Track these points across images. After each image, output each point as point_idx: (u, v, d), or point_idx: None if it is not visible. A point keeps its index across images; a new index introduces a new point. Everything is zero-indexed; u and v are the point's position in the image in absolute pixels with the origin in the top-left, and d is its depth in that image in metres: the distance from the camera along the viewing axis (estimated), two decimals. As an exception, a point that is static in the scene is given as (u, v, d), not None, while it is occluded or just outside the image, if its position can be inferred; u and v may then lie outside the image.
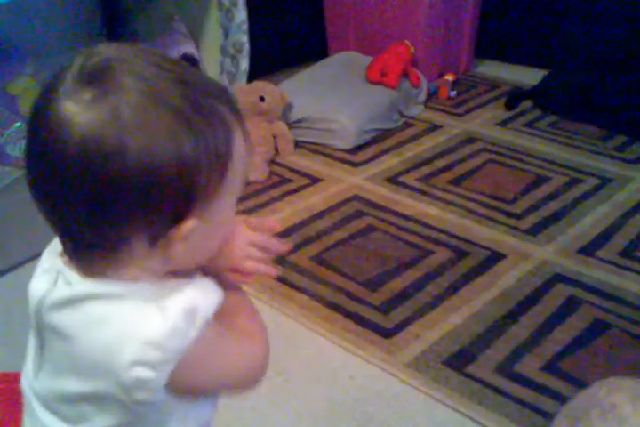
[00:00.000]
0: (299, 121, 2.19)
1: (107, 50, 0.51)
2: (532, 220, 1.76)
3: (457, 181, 1.95)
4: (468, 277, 1.54)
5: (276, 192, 1.92)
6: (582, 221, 1.75)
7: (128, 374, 0.51)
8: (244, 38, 2.19)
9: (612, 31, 2.44)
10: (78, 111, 0.48)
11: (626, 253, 1.62)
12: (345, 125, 2.14)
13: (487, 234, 1.70)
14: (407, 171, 2.01)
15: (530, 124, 2.29)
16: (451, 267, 1.58)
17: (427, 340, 1.36)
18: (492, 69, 2.77)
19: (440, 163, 2.06)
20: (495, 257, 1.61)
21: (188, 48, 2.25)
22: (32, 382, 0.61)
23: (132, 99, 0.49)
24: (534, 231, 1.70)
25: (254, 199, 1.88)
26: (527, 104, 2.43)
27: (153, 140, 0.49)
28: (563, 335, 1.36)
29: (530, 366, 1.29)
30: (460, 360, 1.31)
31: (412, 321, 1.42)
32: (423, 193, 1.89)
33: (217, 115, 0.52)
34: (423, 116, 2.39)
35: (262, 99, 2.09)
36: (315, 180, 1.98)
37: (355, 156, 2.12)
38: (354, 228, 1.74)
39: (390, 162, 2.08)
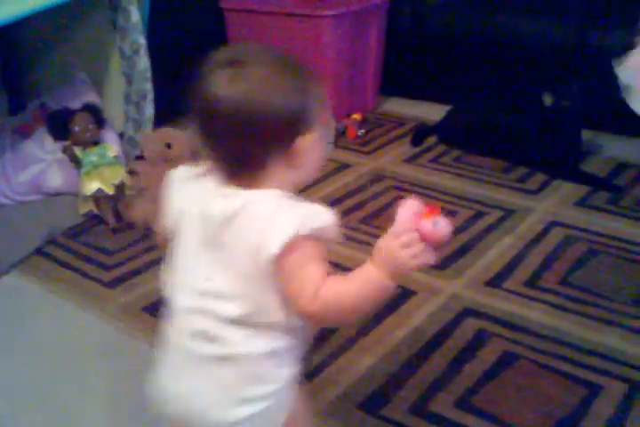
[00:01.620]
0: (208, 166, 2.18)
1: (234, 46, 0.83)
2: (440, 255, 1.78)
3: (368, 220, 1.98)
4: (380, 317, 1.54)
5: (186, 240, 1.89)
6: (488, 253, 1.80)
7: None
8: (148, 85, 2.18)
9: (506, 69, 2.56)
10: (223, 84, 0.76)
11: (530, 283, 1.67)
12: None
13: (398, 271, 1.72)
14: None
15: (435, 160, 2.35)
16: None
17: (341, 384, 1.36)
18: (398, 106, 2.84)
19: (351, 202, 2.09)
20: (406, 294, 1.62)
21: (91, 97, 2.22)
22: (199, 284, 0.81)
23: (256, 73, 0.76)
24: (443, 266, 1.74)
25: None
26: (433, 140, 2.50)
27: (275, 93, 0.76)
28: (473, 370, 1.38)
29: (443, 404, 1.30)
30: (374, 403, 1.31)
31: (326, 366, 1.41)
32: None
33: (312, 79, 0.81)
34: (332, 155, 2.42)
35: (169, 146, 2.07)
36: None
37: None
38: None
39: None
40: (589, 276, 1.69)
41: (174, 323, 0.85)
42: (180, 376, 0.84)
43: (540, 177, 2.21)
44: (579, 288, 1.64)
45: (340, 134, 2.55)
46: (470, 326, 1.52)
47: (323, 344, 1.47)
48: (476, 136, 2.37)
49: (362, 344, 1.47)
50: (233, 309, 0.79)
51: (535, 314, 1.55)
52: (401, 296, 1.61)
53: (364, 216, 2.00)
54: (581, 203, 2.05)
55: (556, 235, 1.87)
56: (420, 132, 2.51)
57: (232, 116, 0.75)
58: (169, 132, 2.12)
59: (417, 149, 2.44)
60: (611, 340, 1.46)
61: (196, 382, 0.82)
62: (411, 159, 2.37)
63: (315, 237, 0.75)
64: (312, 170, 0.84)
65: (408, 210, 0.74)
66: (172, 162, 2.06)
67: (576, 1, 2.50)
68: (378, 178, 2.24)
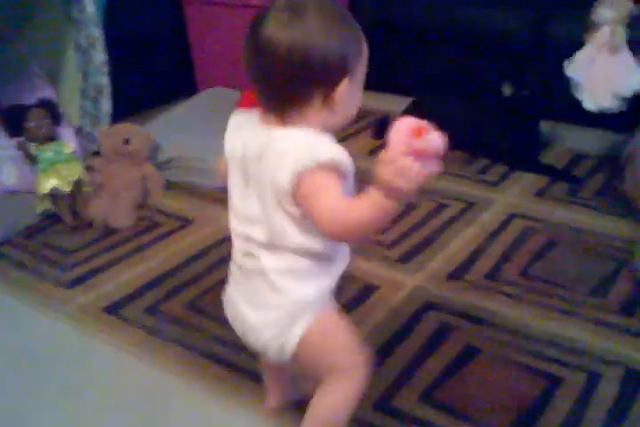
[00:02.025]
0: (168, 162, 2.15)
1: None
2: (402, 248, 1.79)
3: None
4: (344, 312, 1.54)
5: (145, 238, 1.87)
6: (450, 245, 1.81)
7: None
8: (105, 80, 2.14)
9: (466, 61, 2.56)
10: (280, 25, 0.83)
11: (491, 275, 1.68)
12: (215, 163, 2.11)
13: (359, 266, 1.72)
14: (281, 206, 2.01)
15: (398, 152, 2.35)
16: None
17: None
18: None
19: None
20: (369, 289, 1.62)
21: (46, 92, 2.17)
22: (240, 211, 0.95)
23: (311, 18, 0.83)
24: (405, 260, 1.74)
25: (122, 247, 1.82)
26: (394, 132, 2.50)
27: (327, 39, 0.83)
28: (436, 364, 1.39)
29: (407, 399, 1.30)
30: (338, 400, 1.30)
31: (289, 364, 1.40)
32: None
33: (358, 31, 0.88)
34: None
35: (127, 141, 2.03)
36: (187, 222, 1.95)
37: (227, 194, 2.09)
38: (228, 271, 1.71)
39: (264, 198, 2.07)
40: (550, 267, 1.71)
41: (234, 243, 1.00)
42: (235, 285, 1.03)
43: (500, 169, 2.22)
44: (539, 279, 1.66)
45: (302, 127, 2.54)
46: (432, 319, 1.52)
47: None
48: (437, 128, 2.36)
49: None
50: (258, 233, 0.93)
51: (497, 306, 1.56)
52: (363, 292, 1.62)
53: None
54: (541, 194, 2.07)
55: (517, 226, 1.89)
56: (381, 125, 2.50)
57: (285, 55, 0.83)
58: (127, 128, 2.09)
59: (379, 142, 2.44)
60: (571, 331, 1.48)
61: (241, 289, 1.01)
62: (372, 152, 2.37)
63: (325, 169, 0.84)
64: (345, 116, 0.91)
65: (399, 132, 0.75)
66: (130, 157, 2.03)
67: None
68: (340, 171, 2.23)
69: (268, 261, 0.94)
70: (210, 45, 2.69)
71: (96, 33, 2.10)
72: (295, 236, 0.91)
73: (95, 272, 1.73)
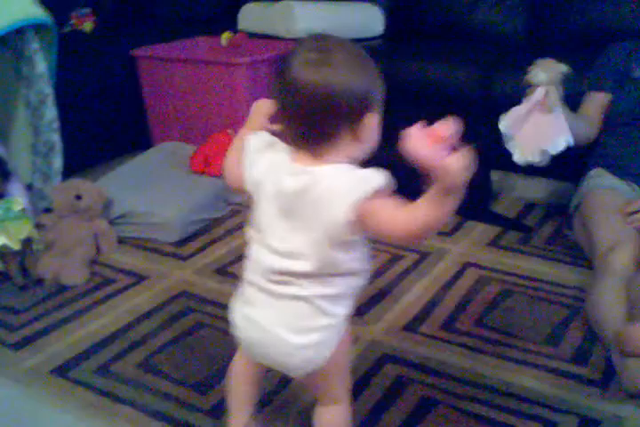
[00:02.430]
0: (121, 217, 2.13)
1: (316, 38, 0.94)
2: (358, 301, 1.71)
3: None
4: (298, 368, 1.52)
5: (97, 295, 1.83)
6: (405, 297, 1.81)
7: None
8: (55, 137, 2.14)
9: (417, 112, 2.62)
10: (311, 68, 0.90)
11: (446, 326, 1.68)
12: (169, 218, 2.10)
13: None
14: (236, 260, 2.00)
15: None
16: (282, 359, 1.56)
17: (260, 441, 1.32)
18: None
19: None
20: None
21: (-4, 148, 2.14)
22: (275, 244, 0.98)
23: (338, 60, 0.90)
24: (361, 312, 1.73)
25: (73, 305, 1.78)
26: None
27: (354, 78, 0.91)
28: (393, 419, 1.37)
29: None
30: (294, 460, 1.27)
31: None
32: (252, 282, 1.88)
33: (375, 66, 0.96)
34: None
35: (79, 197, 2.02)
36: (140, 278, 1.92)
37: (182, 249, 2.08)
38: (182, 327, 1.68)
39: (219, 252, 2.06)
40: (504, 316, 1.73)
41: (254, 268, 1.03)
42: (262, 309, 1.03)
43: (453, 219, 2.26)
44: (494, 329, 1.67)
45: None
46: (389, 372, 1.51)
47: (241, 400, 1.43)
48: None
49: (281, 399, 1.44)
50: (303, 265, 0.97)
51: (452, 357, 1.56)
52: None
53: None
54: (494, 243, 2.11)
55: (471, 276, 1.91)
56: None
57: (318, 95, 0.90)
58: (79, 183, 2.07)
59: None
60: (526, 380, 1.48)
61: (274, 313, 1.02)
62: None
63: (379, 193, 0.91)
64: (370, 146, 0.98)
65: (422, 145, 0.83)
66: (82, 213, 2.01)
67: (482, 52, 2.61)
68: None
69: (312, 288, 0.99)
70: (163, 100, 2.71)
71: (46, 90, 2.10)
72: (346, 262, 0.98)
73: (44, 332, 1.68)
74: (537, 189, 2.42)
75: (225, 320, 1.69)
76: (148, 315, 1.74)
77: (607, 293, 1.60)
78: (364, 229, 0.94)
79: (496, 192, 2.40)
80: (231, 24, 3.09)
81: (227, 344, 1.62)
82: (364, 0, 3.03)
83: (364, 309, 1.75)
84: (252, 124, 1.11)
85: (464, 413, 1.39)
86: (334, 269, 0.98)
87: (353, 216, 0.91)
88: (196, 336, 1.65)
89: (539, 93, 1.78)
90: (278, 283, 1.00)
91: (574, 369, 1.52)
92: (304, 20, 2.90)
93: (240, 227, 2.22)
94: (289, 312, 1.01)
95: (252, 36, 2.94)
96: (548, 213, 2.30)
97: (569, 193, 2.16)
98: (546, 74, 1.75)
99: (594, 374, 1.50)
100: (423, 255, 2.03)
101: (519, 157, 1.86)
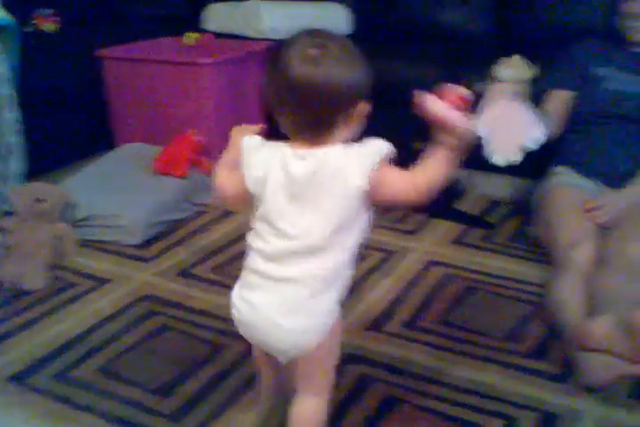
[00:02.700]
0: (83, 220, 2.10)
1: (311, 34, 1.00)
2: None
3: (250, 268, 1.96)
4: (262, 370, 1.52)
5: (58, 300, 1.80)
6: (370, 296, 1.81)
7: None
8: (15, 138, 2.10)
9: (378, 113, 2.63)
10: (310, 64, 0.96)
11: (410, 324, 1.69)
12: (132, 220, 2.08)
13: (280, 320, 1.70)
14: (200, 262, 1.99)
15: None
16: (245, 360, 1.55)
17: (222, 445, 1.31)
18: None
19: (233, 251, 2.06)
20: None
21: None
22: (288, 229, 1.04)
23: (335, 55, 0.97)
24: (326, 312, 1.73)
25: (33, 310, 1.75)
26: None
27: (350, 72, 0.98)
28: (356, 418, 1.37)
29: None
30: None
31: (207, 425, 1.36)
32: (217, 284, 1.87)
33: (364, 60, 1.02)
34: (216, 202, 2.40)
35: (40, 200, 1.98)
36: (102, 281, 1.90)
37: (145, 251, 2.06)
38: (145, 330, 1.66)
39: (183, 254, 2.05)
40: (468, 314, 1.74)
41: (258, 256, 1.07)
42: (265, 294, 1.07)
43: (417, 217, 2.27)
44: (458, 327, 1.68)
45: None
46: (352, 372, 1.51)
47: (203, 401, 1.42)
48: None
49: (245, 399, 1.43)
50: (310, 247, 1.03)
51: (416, 356, 1.57)
52: (283, 346, 1.59)
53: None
54: (458, 241, 2.12)
55: (435, 274, 1.92)
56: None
57: (318, 89, 0.96)
58: (40, 186, 2.04)
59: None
60: (489, 377, 1.49)
61: (277, 298, 1.06)
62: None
63: (384, 160, 1.01)
64: (357, 129, 1.05)
65: (440, 107, 0.98)
66: (43, 216, 1.98)
67: (448, 51, 2.62)
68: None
69: (312, 271, 1.04)
70: (127, 101, 2.68)
71: (7, 92, 2.06)
72: (347, 243, 1.05)
73: (2, 338, 1.65)
74: (500, 187, 2.44)
75: (188, 323, 1.70)
76: (109, 319, 1.71)
77: (567, 289, 1.61)
78: (377, 199, 1.03)
79: (460, 190, 2.41)
80: (196, 24, 3.07)
81: (190, 347, 1.61)
82: (330, 0, 3.03)
83: (328, 308, 1.75)
84: (231, 150, 1.16)
85: (427, 411, 1.39)
86: (336, 251, 1.04)
87: (367, 187, 1.00)
88: (158, 340, 1.63)
89: (506, 91, 1.78)
90: (281, 266, 1.05)
91: (535, 364, 1.53)
92: (270, 20, 2.89)
93: (205, 228, 2.21)
94: (287, 296, 1.05)
95: (218, 35, 2.92)
96: (512, 211, 2.32)
97: (532, 190, 2.18)
98: (512, 71, 1.76)
99: (553, 368, 1.52)
100: (388, 254, 2.03)
101: (499, 157, 1.85)
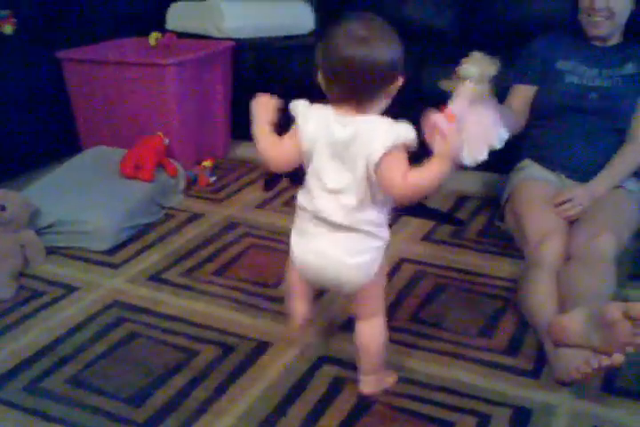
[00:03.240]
0: (49, 226, 2.07)
1: (356, 19, 1.19)
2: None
3: (221, 271, 1.94)
4: (234, 375, 1.50)
5: (26, 309, 1.77)
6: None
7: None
8: (-25, 146, 2.05)
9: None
10: (356, 46, 1.14)
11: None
12: (100, 225, 2.05)
13: (252, 324, 1.69)
14: (170, 266, 1.97)
15: (287, 204, 2.34)
16: (218, 366, 1.54)
17: (196, 453, 1.30)
18: (249, 151, 2.82)
19: (203, 253, 2.04)
20: (261, 347, 1.60)
21: None
22: (328, 184, 1.24)
23: (379, 38, 1.16)
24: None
25: (0, 321, 1.71)
26: (284, 184, 2.51)
27: (392, 52, 1.17)
28: (331, 420, 1.37)
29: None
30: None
31: (180, 433, 1.35)
32: (187, 288, 1.86)
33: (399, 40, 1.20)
34: (184, 205, 2.38)
35: (3, 208, 1.94)
36: (70, 289, 1.86)
37: (114, 256, 2.04)
38: (115, 338, 1.64)
39: (152, 258, 2.02)
40: (439, 310, 1.75)
41: (309, 208, 1.28)
42: (321, 238, 1.28)
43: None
44: (429, 324, 1.69)
45: (192, 183, 2.52)
46: (326, 374, 1.51)
47: (175, 410, 1.41)
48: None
49: (217, 406, 1.42)
50: (351, 199, 1.22)
51: (388, 354, 1.56)
52: (256, 350, 1.59)
53: (217, 268, 1.96)
54: (427, 238, 2.13)
55: (406, 271, 1.93)
56: (271, 177, 2.51)
57: (366, 66, 1.14)
58: (2, 194, 2.00)
59: (269, 194, 2.45)
60: (461, 374, 1.50)
61: (332, 240, 1.27)
62: (263, 204, 2.37)
63: (403, 146, 1.17)
64: (390, 100, 1.23)
65: (442, 121, 1.19)
66: (7, 225, 1.94)
67: (412, 47, 2.60)
68: (231, 226, 2.22)
69: (358, 217, 1.24)
70: (91, 103, 2.63)
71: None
72: (378, 194, 1.22)
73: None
74: (469, 182, 2.45)
75: (159, 329, 1.68)
76: (78, 327, 1.69)
77: (538, 284, 1.62)
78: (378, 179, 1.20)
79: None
80: (159, 24, 3.03)
81: (161, 354, 1.59)
82: (293, -3, 3.01)
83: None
84: (261, 119, 1.31)
85: (401, 411, 1.40)
86: (372, 201, 1.23)
87: (382, 154, 1.16)
88: (128, 347, 1.61)
89: (469, 88, 1.78)
90: (331, 215, 1.24)
91: (507, 360, 1.55)
92: (233, 19, 2.87)
93: (174, 231, 2.19)
94: (342, 239, 1.26)
95: (181, 35, 2.89)
96: (481, 206, 2.33)
97: (500, 185, 2.20)
98: (476, 68, 1.75)
99: (526, 364, 1.53)
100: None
101: (469, 159, 1.85)
